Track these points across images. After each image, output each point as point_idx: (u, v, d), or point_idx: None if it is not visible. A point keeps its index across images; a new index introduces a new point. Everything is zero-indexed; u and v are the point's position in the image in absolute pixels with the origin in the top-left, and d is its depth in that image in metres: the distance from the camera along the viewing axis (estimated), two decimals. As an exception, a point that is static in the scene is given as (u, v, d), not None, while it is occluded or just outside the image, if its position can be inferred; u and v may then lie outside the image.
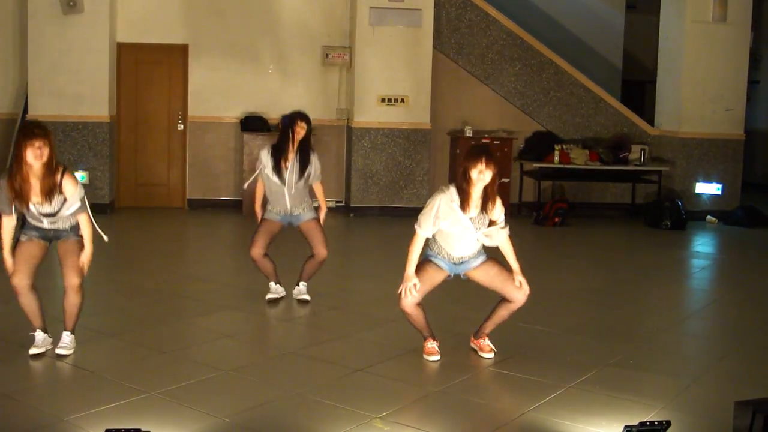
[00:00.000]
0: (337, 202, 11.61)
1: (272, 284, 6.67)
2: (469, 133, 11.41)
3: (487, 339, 5.42)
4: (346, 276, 8.26)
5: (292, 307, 6.57)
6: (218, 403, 4.48)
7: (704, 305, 7.58)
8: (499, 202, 5.19)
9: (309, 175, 6.50)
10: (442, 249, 5.20)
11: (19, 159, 4.91)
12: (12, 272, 5.06)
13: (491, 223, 5.16)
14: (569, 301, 7.18)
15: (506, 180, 11.24)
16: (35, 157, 4.87)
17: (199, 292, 7.11)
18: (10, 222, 5.05)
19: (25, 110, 10.38)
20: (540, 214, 11.06)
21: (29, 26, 10.35)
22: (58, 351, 5.12)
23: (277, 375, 5.06)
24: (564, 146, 11.47)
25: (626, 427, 3.61)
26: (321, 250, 6.54)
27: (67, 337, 5.18)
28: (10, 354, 5.17)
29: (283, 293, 6.69)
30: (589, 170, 11.50)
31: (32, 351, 5.10)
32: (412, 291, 5.12)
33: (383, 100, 11.09)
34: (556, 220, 10.92)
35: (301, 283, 6.69)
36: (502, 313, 5.33)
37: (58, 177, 4.98)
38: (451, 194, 5.07)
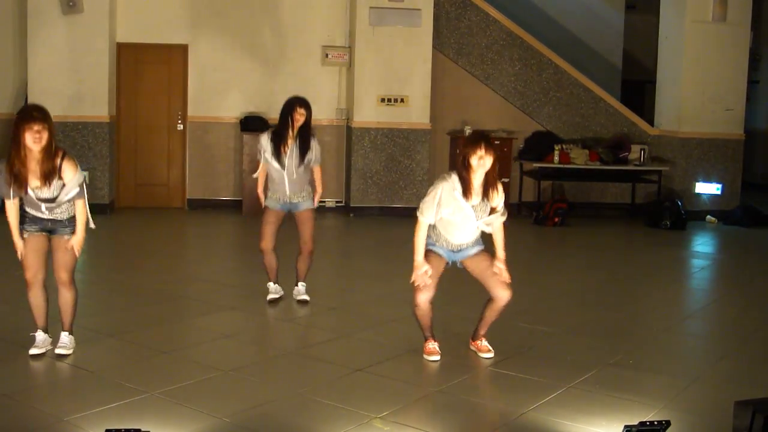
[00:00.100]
0: (336, 202, 11.61)
1: (271, 284, 6.66)
2: (468, 133, 11.41)
3: (484, 340, 5.42)
4: (346, 276, 8.27)
5: (292, 307, 6.57)
6: (218, 403, 4.47)
7: (704, 305, 7.58)
8: (500, 188, 5.16)
9: (309, 161, 6.41)
10: (440, 236, 5.18)
11: (16, 142, 4.79)
12: (24, 268, 5.02)
13: (492, 211, 5.14)
14: (569, 301, 7.18)
15: (506, 180, 11.24)
16: (34, 141, 4.75)
17: (199, 292, 7.12)
18: (12, 204, 4.93)
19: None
20: (540, 214, 11.06)
21: (29, 26, 10.35)
22: (57, 351, 5.11)
23: (277, 375, 5.06)
24: (564, 146, 11.47)
25: (626, 426, 3.61)
26: (307, 242, 6.50)
27: (65, 337, 5.17)
28: (10, 354, 5.17)
29: (282, 293, 6.69)
30: (588, 170, 11.50)
31: (32, 351, 5.09)
32: (425, 278, 5.09)
33: (383, 100, 11.09)
34: (556, 220, 10.92)
35: (299, 284, 6.68)
36: (489, 313, 5.33)
37: (58, 161, 4.87)
38: (453, 182, 5.03)
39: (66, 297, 5.13)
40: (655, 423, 3.67)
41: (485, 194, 5.08)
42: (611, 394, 4.80)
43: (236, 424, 4.22)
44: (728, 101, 11.74)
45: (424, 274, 5.09)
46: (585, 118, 12.10)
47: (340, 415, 4.38)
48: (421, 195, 11.06)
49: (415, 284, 5.14)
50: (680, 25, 11.70)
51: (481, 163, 4.97)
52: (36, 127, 4.75)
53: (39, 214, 4.98)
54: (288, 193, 6.38)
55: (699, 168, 11.81)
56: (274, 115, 11.39)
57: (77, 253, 5.07)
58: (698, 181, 11.80)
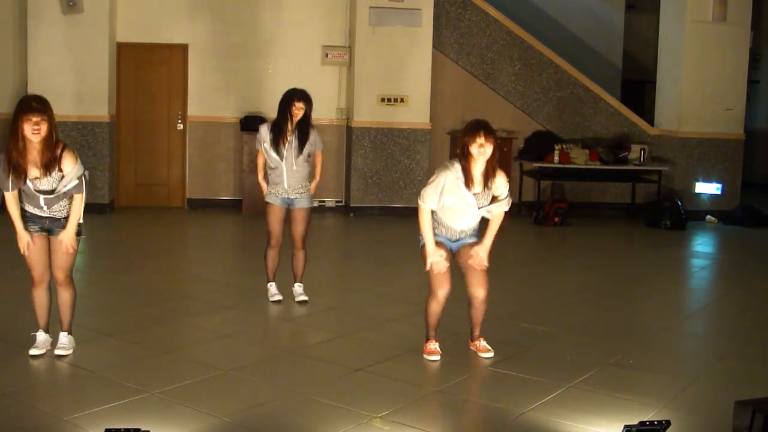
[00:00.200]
0: (336, 201, 11.61)
1: (273, 285, 6.64)
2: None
3: (482, 340, 5.40)
4: (346, 276, 8.26)
5: (292, 307, 6.57)
6: (218, 403, 4.47)
7: (704, 305, 7.58)
8: (502, 176, 5.10)
9: (309, 152, 6.36)
10: (440, 223, 5.15)
11: (15, 133, 4.73)
12: (31, 267, 5.00)
13: (494, 199, 5.11)
14: (569, 300, 7.17)
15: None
16: (33, 132, 4.69)
17: (198, 291, 7.12)
18: (12, 197, 4.86)
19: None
20: (540, 213, 11.06)
21: (29, 26, 10.36)
22: (57, 352, 5.11)
23: (276, 374, 5.06)
24: (564, 146, 11.47)
25: (626, 426, 3.61)
26: (297, 241, 6.48)
27: (64, 338, 5.16)
28: (10, 354, 5.17)
29: (281, 296, 6.67)
30: (588, 170, 11.50)
31: (32, 352, 5.08)
32: (442, 264, 5.05)
33: (383, 99, 11.09)
34: (556, 219, 10.92)
35: (296, 285, 6.67)
36: (473, 313, 5.32)
37: (58, 152, 4.82)
38: (456, 171, 4.98)
39: (64, 297, 5.12)
40: (655, 423, 3.67)
41: (486, 183, 5.03)
42: (611, 394, 4.80)
43: (236, 423, 4.22)
44: (728, 101, 11.73)
45: (440, 260, 5.05)
46: (585, 118, 12.10)
47: (339, 414, 4.38)
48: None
49: (433, 271, 5.08)
50: (680, 25, 11.70)
51: (482, 151, 4.90)
52: (34, 119, 4.69)
53: (38, 212, 4.95)
54: (286, 186, 6.35)
55: (699, 168, 11.80)
56: (274, 114, 11.29)
57: (70, 250, 4.99)
58: (698, 181, 11.80)
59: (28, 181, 4.82)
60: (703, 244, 10.45)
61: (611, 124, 12.14)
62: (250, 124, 11.02)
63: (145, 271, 7.87)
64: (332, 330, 6.08)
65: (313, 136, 6.39)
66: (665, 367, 5.38)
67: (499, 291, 7.21)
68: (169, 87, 11.30)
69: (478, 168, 4.98)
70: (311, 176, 6.54)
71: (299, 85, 6.45)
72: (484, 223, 5.28)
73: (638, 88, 14.61)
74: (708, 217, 11.67)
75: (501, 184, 5.12)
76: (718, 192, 11.79)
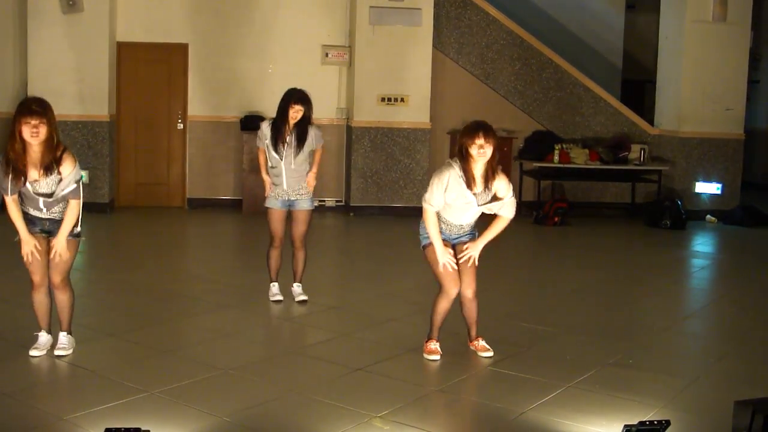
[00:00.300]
0: (336, 201, 11.62)
1: (275, 285, 6.63)
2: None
3: (480, 340, 5.40)
4: (346, 276, 8.27)
5: (291, 307, 6.57)
6: (218, 402, 4.48)
7: (704, 305, 7.58)
8: (502, 179, 5.07)
9: (308, 150, 6.35)
10: (440, 219, 5.13)
11: (13, 135, 4.71)
12: (31, 271, 4.98)
13: (495, 198, 5.09)
14: (569, 300, 7.18)
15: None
16: (31, 135, 4.67)
17: (198, 291, 7.11)
18: (12, 201, 4.84)
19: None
20: (540, 213, 11.06)
21: (29, 26, 10.36)
22: (56, 352, 5.10)
23: (277, 374, 5.06)
24: (564, 146, 11.47)
25: (626, 426, 3.62)
26: (297, 241, 6.48)
27: (64, 338, 5.16)
28: (10, 354, 5.17)
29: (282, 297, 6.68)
30: (588, 170, 11.50)
31: (33, 352, 5.08)
32: (452, 261, 5.06)
33: (383, 99, 11.09)
34: (556, 219, 10.92)
35: (295, 284, 6.67)
36: (466, 313, 5.33)
37: (58, 154, 4.80)
38: (458, 170, 4.98)
39: (62, 299, 5.12)
40: (655, 423, 3.67)
41: (486, 185, 5.03)
42: (611, 393, 4.80)
43: (236, 422, 4.23)
44: (728, 101, 11.73)
45: (451, 258, 5.07)
46: (585, 118, 12.10)
47: (339, 414, 4.38)
48: (420, 194, 11.03)
49: (447, 270, 5.08)
50: (680, 25, 11.69)
51: (482, 152, 4.88)
52: (33, 121, 4.67)
53: (38, 213, 4.94)
54: (286, 186, 6.35)
55: (699, 168, 11.80)
56: (273, 114, 11.42)
57: (65, 257, 4.96)
58: (698, 181, 11.80)
59: (27, 184, 4.82)
60: (703, 244, 10.45)
61: (611, 124, 12.14)
62: (250, 123, 11.02)
63: (145, 270, 7.87)
64: (332, 330, 6.08)
65: (312, 136, 6.37)
66: (665, 367, 5.38)
67: (499, 291, 7.24)
68: (169, 86, 11.29)
69: (478, 169, 4.98)
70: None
71: (299, 85, 6.43)
72: (484, 223, 5.29)
73: (638, 87, 14.62)
74: (708, 217, 11.67)
75: (502, 186, 5.12)
76: (718, 192, 11.79)
